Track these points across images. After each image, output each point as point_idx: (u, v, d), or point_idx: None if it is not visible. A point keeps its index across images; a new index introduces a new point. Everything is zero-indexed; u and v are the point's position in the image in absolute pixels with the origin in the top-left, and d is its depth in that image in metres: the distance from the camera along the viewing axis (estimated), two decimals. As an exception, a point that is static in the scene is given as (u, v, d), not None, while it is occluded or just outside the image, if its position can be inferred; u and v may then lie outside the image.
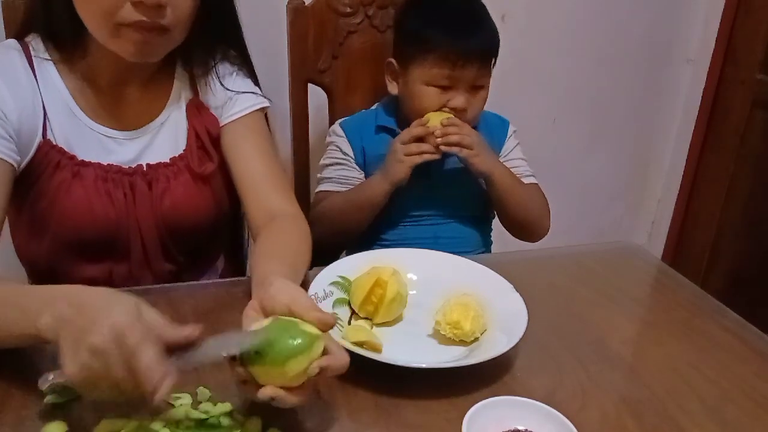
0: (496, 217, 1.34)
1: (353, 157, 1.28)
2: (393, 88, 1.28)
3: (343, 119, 1.33)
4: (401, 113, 1.29)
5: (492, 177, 1.21)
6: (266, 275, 0.77)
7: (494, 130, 1.33)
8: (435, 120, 1.17)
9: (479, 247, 1.33)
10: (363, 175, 1.28)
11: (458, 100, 1.19)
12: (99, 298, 0.65)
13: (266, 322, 0.67)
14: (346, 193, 1.25)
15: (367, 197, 1.21)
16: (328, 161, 1.31)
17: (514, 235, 1.32)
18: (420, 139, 1.18)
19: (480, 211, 1.32)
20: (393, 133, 1.28)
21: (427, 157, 1.17)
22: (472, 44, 1.17)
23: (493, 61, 1.23)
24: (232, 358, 0.66)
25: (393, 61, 1.26)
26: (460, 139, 1.16)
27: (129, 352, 0.60)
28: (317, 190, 1.31)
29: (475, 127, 1.30)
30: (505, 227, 1.32)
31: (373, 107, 1.35)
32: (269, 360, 0.64)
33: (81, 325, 0.61)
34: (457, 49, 1.16)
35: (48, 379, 0.68)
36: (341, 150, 1.29)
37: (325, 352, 0.67)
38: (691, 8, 1.93)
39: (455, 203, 1.28)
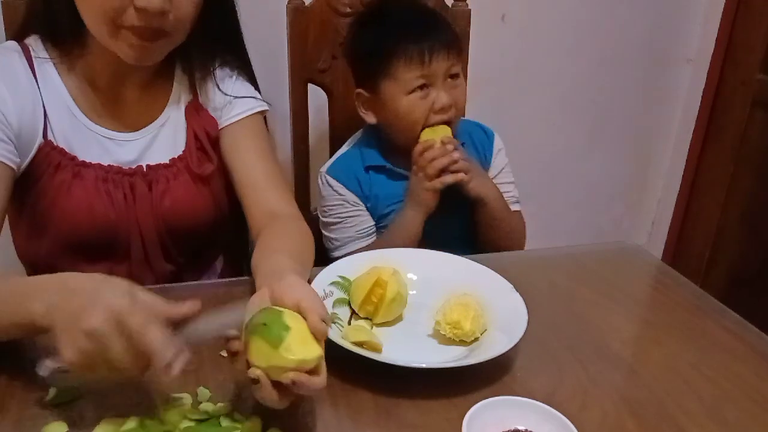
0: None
1: (361, 204, 1.24)
2: (371, 118, 1.24)
3: (327, 168, 1.27)
4: (386, 142, 1.25)
5: (485, 201, 1.21)
6: (279, 268, 0.76)
7: (479, 144, 1.31)
8: (430, 135, 1.17)
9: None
10: (372, 219, 1.25)
11: (441, 98, 1.17)
12: (88, 282, 0.65)
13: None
14: (385, 237, 1.22)
15: (409, 234, 1.18)
16: (338, 219, 1.24)
17: None
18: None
19: None
20: (383, 170, 1.24)
21: (449, 178, 1.16)
22: (432, 37, 1.16)
23: (459, 47, 1.22)
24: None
25: (361, 90, 1.23)
26: (460, 166, 1.16)
27: (133, 331, 0.60)
28: (343, 254, 1.20)
29: (457, 136, 1.27)
30: (479, 249, 1.27)
31: (351, 147, 1.29)
32: (272, 335, 0.63)
33: (73, 310, 0.61)
34: (420, 46, 1.15)
35: (46, 366, 0.67)
36: (348, 202, 1.23)
37: (313, 372, 0.64)
38: (691, 8, 1.92)
39: (464, 204, 1.25)
